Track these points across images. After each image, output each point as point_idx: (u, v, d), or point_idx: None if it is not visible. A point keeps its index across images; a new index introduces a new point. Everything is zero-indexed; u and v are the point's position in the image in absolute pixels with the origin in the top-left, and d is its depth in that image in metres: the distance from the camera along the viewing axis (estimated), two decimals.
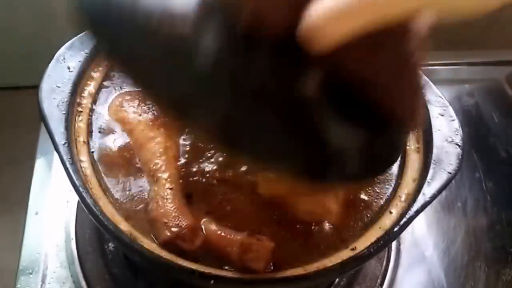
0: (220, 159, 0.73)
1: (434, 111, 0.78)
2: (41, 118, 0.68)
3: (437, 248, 1.00)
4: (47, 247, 0.89)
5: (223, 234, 0.66)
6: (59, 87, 0.72)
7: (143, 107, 0.76)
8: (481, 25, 1.34)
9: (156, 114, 0.75)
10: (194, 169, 0.72)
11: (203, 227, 0.67)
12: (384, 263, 0.94)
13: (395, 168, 0.78)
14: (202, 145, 0.74)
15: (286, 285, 0.64)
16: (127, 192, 0.70)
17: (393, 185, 0.76)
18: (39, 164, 0.99)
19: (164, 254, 0.63)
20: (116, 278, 0.85)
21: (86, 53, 0.77)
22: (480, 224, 1.06)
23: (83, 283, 0.85)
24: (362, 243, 0.69)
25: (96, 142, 0.73)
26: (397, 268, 0.95)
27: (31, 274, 0.86)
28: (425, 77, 0.82)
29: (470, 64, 1.34)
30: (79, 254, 0.88)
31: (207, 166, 0.73)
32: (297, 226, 0.70)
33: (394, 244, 0.96)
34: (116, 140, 0.74)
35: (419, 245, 0.99)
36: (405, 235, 0.98)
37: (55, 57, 0.74)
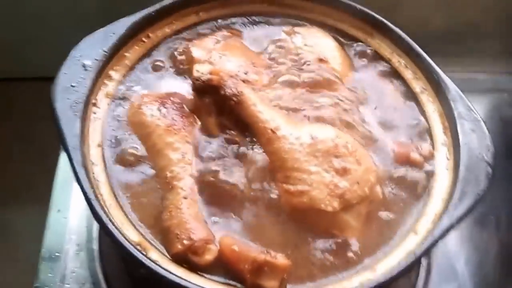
0: (243, 169, 0.69)
1: (465, 126, 0.72)
2: (53, 119, 0.65)
3: (469, 263, 0.94)
4: (68, 247, 0.87)
5: (236, 249, 0.62)
6: (73, 86, 0.69)
7: (162, 111, 0.72)
8: None
9: (175, 119, 0.72)
10: (213, 179, 0.68)
11: (217, 240, 0.64)
12: (414, 278, 0.89)
13: (424, 186, 0.72)
14: (223, 153, 0.71)
15: None
16: (140, 200, 0.66)
17: (421, 204, 0.71)
18: (63, 162, 0.95)
19: (173, 268, 0.60)
20: (137, 281, 0.81)
21: (105, 51, 0.73)
22: None
23: (103, 284, 0.83)
24: (383, 266, 0.64)
25: (111, 146, 0.70)
26: (427, 284, 0.89)
27: (51, 273, 0.84)
28: (457, 88, 0.77)
29: (510, 73, 1.26)
30: (100, 255, 0.85)
31: (227, 176, 0.68)
32: (317, 243, 0.66)
33: (424, 258, 0.91)
34: (133, 145, 0.70)
35: (450, 260, 0.93)
36: (436, 250, 0.92)
37: (70, 54, 0.71)
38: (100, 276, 0.84)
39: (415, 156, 0.74)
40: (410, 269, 0.67)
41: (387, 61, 0.84)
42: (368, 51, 0.85)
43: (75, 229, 0.88)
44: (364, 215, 0.69)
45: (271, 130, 0.69)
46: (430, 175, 0.73)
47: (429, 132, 0.77)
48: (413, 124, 0.78)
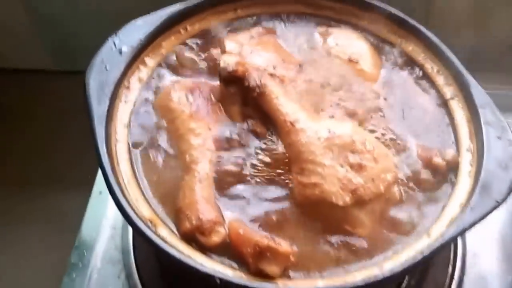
0: (261, 159, 0.71)
1: (491, 133, 0.70)
2: (84, 97, 0.69)
3: (504, 284, 0.88)
4: (105, 228, 0.91)
5: (241, 232, 0.63)
6: (107, 69, 0.72)
7: (189, 99, 0.74)
8: None
9: (200, 106, 0.74)
10: (230, 165, 0.70)
11: (226, 223, 0.65)
12: None
13: (444, 190, 0.70)
14: (243, 143, 0.72)
15: None
16: (159, 179, 0.69)
17: (438, 208, 0.69)
18: None
19: (180, 245, 0.61)
20: (165, 267, 0.84)
21: (141, 39, 0.77)
22: None
23: (134, 267, 0.86)
24: (391, 264, 0.62)
25: (137, 127, 0.73)
26: None
27: (86, 253, 0.88)
28: (487, 96, 0.74)
29: None
30: (134, 238, 0.88)
31: (244, 165, 0.70)
32: (325, 235, 0.65)
33: (457, 273, 0.87)
34: (157, 128, 0.73)
35: (484, 278, 0.88)
36: (471, 265, 0.88)
37: (108, 39, 0.75)
38: (132, 259, 0.87)
39: (437, 160, 0.72)
40: (415, 269, 0.65)
41: (420, 66, 0.83)
42: (401, 55, 0.84)
43: (113, 212, 0.92)
44: (378, 213, 0.68)
45: (290, 122, 0.70)
46: (451, 180, 0.71)
47: (455, 138, 0.75)
48: (440, 129, 0.76)
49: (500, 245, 0.92)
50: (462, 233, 0.62)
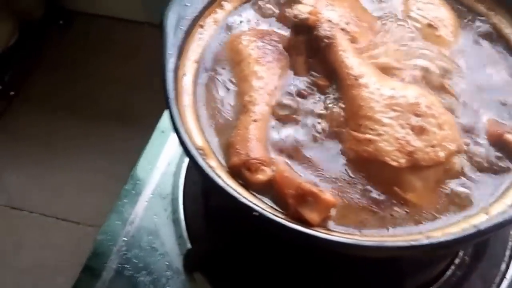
0: (319, 111, 0.66)
1: None
2: (162, 28, 0.68)
3: None
4: (161, 163, 0.92)
5: (286, 175, 0.59)
6: (187, 5, 0.71)
7: (258, 44, 0.71)
8: None
9: (267, 52, 0.71)
10: (287, 113, 0.66)
11: (274, 165, 0.61)
12: None
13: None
14: (304, 93, 0.68)
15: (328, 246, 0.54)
16: (217, 114, 0.67)
17: (503, 187, 0.61)
18: None
19: (225, 177, 0.59)
20: (210, 212, 0.84)
21: None
22: None
23: (180, 204, 0.86)
24: (440, 233, 0.56)
25: (205, 63, 0.71)
26: None
27: (140, 180, 0.90)
28: None
29: None
30: (186, 180, 0.89)
31: (301, 115, 0.66)
32: (373, 194, 0.60)
33: (511, 273, 0.78)
34: (224, 67, 0.71)
35: None
36: None
37: None
38: (180, 196, 0.87)
39: (509, 137, 0.63)
40: (467, 242, 0.57)
41: (506, 40, 0.73)
42: (487, 26, 0.74)
43: (171, 149, 0.93)
44: (433, 181, 0.61)
45: (354, 76, 0.64)
46: None
47: None
48: None
49: None
50: None
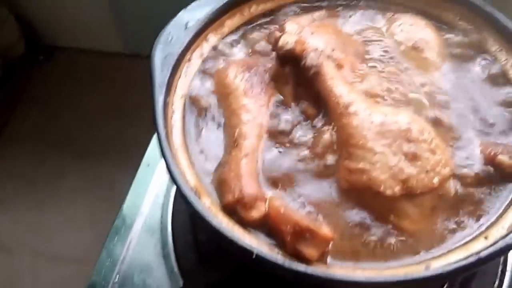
0: (309, 141, 0.66)
1: None
2: (150, 66, 0.68)
3: None
4: (148, 197, 0.91)
5: (283, 211, 0.58)
6: (172, 41, 0.71)
7: (244, 76, 0.71)
8: None
9: (254, 84, 0.70)
10: (277, 146, 0.66)
11: (268, 200, 0.61)
12: None
13: (508, 191, 0.61)
14: (293, 123, 0.67)
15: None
16: (207, 150, 0.66)
17: (500, 210, 0.60)
18: None
19: (220, 216, 0.58)
20: (200, 244, 0.82)
21: (207, 16, 0.75)
22: None
23: (170, 238, 0.85)
24: (439, 263, 0.55)
25: (193, 99, 0.71)
26: None
27: (129, 217, 0.89)
28: None
29: None
30: (173, 210, 0.88)
31: (292, 145, 0.65)
32: (370, 224, 0.59)
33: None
34: (212, 101, 0.71)
35: None
36: None
37: (178, 14, 0.74)
38: (169, 230, 0.86)
39: (503, 158, 0.62)
40: (468, 271, 0.57)
41: (492, 57, 0.73)
42: (472, 44, 0.74)
43: (158, 183, 0.92)
44: (428, 208, 0.60)
45: (343, 105, 0.64)
46: None
47: None
48: (509, 126, 0.67)
49: None
50: None
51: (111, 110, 1.96)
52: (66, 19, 1.92)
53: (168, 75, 0.68)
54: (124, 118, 1.87)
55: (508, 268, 0.79)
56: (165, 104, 0.66)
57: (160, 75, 0.67)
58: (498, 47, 0.73)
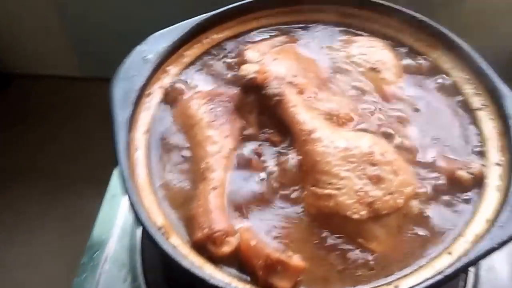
0: (276, 169, 0.66)
1: None
2: (109, 103, 0.67)
3: None
4: (115, 230, 0.89)
5: (253, 244, 0.59)
6: (132, 76, 0.71)
7: (208, 107, 0.71)
8: None
9: (218, 115, 0.71)
10: (244, 176, 0.66)
11: (238, 234, 0.61)
12: None
13: (468, 205, 0.64)
14: (259, 152, 0.68)
15: None
16: (174, 186, 0.66)
17: (461, 224, 0.62)
18: None
19: (190, 255, 0.58)
20: (171, 278, 0.80)
21: (165, 48, 0.75)
22: None
23: (140, 271, 0.83)
24: (408, 282, 0.57)
25: (156, 133, 0.71)
26: None
27: (96, 253, 0.87)
28: None
29: None
30: (142, 242, 0.86)
31: (259, 173, 0.66)
32: (339, 249, 0.60)
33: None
34: (176, 135, 0.71)
35: None
36: (484, 281, 0.79)
37: (135, 48, 0.74)
38: (139, 263, 0.84)
39: (462, 174, 0.65)
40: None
41: (446, 74, 0.76)
42: (427, 63, 0.77)
43: (124, 214, 0.91)
44: (395, 228, 0.62)
45: (307, 132, 0.65)
46: (476, 195, 0.64)
47: (483, 150, 0.68)
48: (466, 141, 0.69)
49: None
50: (490, 252, 0.55)
51: (72, 135, 1.92)
52: (20, 46, 1.88)
53: (129, 111, 0.67)
54: (87, 146, 1.83)
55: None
56: (128, 141, 0.65)
57: (120, 112, 0.67)
58: (451, 65, 0.76)
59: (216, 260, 0.59)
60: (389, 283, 0.57)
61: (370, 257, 0.60)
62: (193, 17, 0.80)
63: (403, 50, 0.80)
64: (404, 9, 0.79)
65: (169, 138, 0.70)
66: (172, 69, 0.77)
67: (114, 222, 0.89)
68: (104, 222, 0.90)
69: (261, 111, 0.70)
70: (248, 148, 0.68)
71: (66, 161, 1.86)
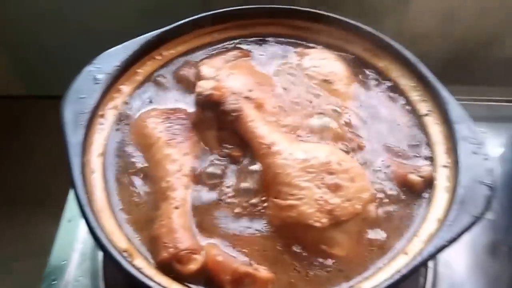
0: (238, 183, 0.68)
1: (468, 148, 0.67)
2: (60, 127, 0.66)
3: None
4: (74, 255, 0.87)
5: (219, 259, 0.60)
6: (83, 98, 0.70)
7: (165, 125, 0.72)
8: None
9: (176, 132, 0.71)
10: (206, 192, 0.67)
11: (203, 251, 0.62)
12: None
13: (420, 206, 0.68)
14: (220, 167, 0.69)
15: None
16: (134, 208, 0.66)
17: (415, 225, 0.66)
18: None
19: (156, 276, 0.58)
20: None
21: (117, 66, 0.75)
22: None
23: None
24: (369, 284, 0.60)
25: (112, 155, 0.70)
26: None
27: (55, 280, 0.84)
28: (463, 111, 0.72)
29: None
30: (104, 265, 0.84)
31: (220, 188, 0.67)
32: (304, 258, 0.62)
33: (429, 285, 0.83)
34: (133, 155, 0.71)
35: None
36: (443, 276, 0.85)
37: (85, 68, 0.73)
38: (101, 284, 0.82)
39: (413, 177, 0.69)
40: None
41: (395, 83, 0.80)
42: (376, 72, 0.82)
43: (82, 239, 0.88)
44: (355, 233, 0.65)
45: (266, 145, 0.67)
46: (427, 196, 0.68)
47: (431, 154, 0.72)
48: (415, 145, 0.74)
49: (470, 250, 0.90)
50: (441, 250, 0.59)
51: (24, 158, 1.84)
52: None
53: (82, 134, 0.67)
54: (38, 163, 1.76)
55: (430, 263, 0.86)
56: (83, 165, 0.65)
57: (73, 136, 0.66)
58: (399, 73, 0.81)
59: (183, 279, 0.59)
60: (351, 286, 0.60)
61: (333, 262, 0.62)
62: (148, 32, 0.80)
63: (353, 60, 0.83)
64: (351, 21, 0.83)
65: (126, 159, 0.70)
66: (125, 88, 0.77)
67: (73, 247, 0.87)
68: (62, 247, 0.87)
69: (220, 127, 0.71)
70: (209, 165, 0.69)
71: (19, 182, 1.78)
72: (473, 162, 0.66)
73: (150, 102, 0.77)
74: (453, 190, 0.65)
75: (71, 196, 0.93)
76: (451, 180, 0.67)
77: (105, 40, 0.78)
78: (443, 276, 0.86)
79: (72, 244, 0.87)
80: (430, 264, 0.86)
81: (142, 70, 0.79)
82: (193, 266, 0.59)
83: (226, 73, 0.76)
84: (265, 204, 0.66)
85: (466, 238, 0.92)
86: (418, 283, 0.84)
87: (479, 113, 1.12)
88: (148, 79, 0.79)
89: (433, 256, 0.59)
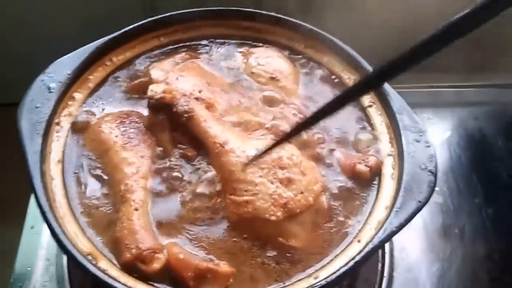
0: (193, 182, 0.72)
1: (410, 136, 0.74)
2: (18, 136, 0.68)
3: (431, 274, 0.94)
4: (39, 261, 0.89)
5: (181, 257, 0.63)
6: (38, 107, 0.72)
7: (120, 129, 0.75)
8: (489, 47, 1.27)
9: (131, 136, 0.75)
10: (164, 192, 0.71)
11: (165, 250, 0.65)
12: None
13: (370, 195, 0.74)
14: (175, 167, 0.73)
15: None
16: (95, 212, 0.69)
17: (366, 213, 0.72)
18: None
19: (121, 277, 0.61)
20: None
21: (69, 74, 0.77)
22: (478, 253, 0.99)
23: None
24: (326, 272, 0.65)
25: (71, 161, 0.73)
26: None
27: (22, 286, 0.86)
28: (403, 102, 0.79)
29: (475, 87, 1.27)
30: (68, 269, 0.86)
31: (178, 188, 0.71)
32: (262, 251, 0.67)
33: (386, 269, 0.91)
34: (91, 160, 0.73)
35: (412, 271, 0.93)
36: (399, 260, 0.93)
37: (38, 77, 0.75)
38: None
39: (361, 167, 0.75)
40: (349, 275, 0.68)
41: (338, 77, 0.86)
42: (320, 67, 0.87)
43: (46, 244, 0.90)
44: (310, 224, 0.70)
45: (220, 144, 0.71)
46: (375, 185, 0.74)
47: (376, 143, 0.79)
48: (361, 136, 0.80)
49: (423, 234, 0.98)
50: (391, 236, 0.65)
51: None
52: None
53: (39, 143, 0.69)
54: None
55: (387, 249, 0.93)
56: (42, 173, 0.67)
57: (30, 145, 0.68)
58: (341, 67, 0.87)
59: (147, 278, 0.63)
60: (309, 275, 0.65)
61: (291, 254, 0.67)
62: (100, 37, 0.83)
63: (297, 57, 0.89)
64: (292, 19, 0.89)
65: (84, 165, 0.73)
66: (78, 95, 0.79)
67: (37, 253, 0.89)
68: (26, 254, 0.89)
69: (173, 128, 0.75)
70: (165, 165, 0.73)
71: None
72: (415, 149, 0.73)
73: (104, 107, 0.79)
74: (399, 178, 0.72)
75: (32, 202, 0.95)
76: (396, 168, 0.74)
77: (55, 47, 0.80)
78: (399, 260, 0.93)
79: (36, 250, 0.89)
80: (387, 249, 0.93)
81: (93, 77, 0.82)
82: (156, 265, 0.63)
83: (175, 75, 0.79)
84: (222, 202, 0.70)
85: (418, 222, 1.02)
86: (377, 268, 0.91)
87: (425, 100, 1.23)
88: (100, 85, 0.82)
89: (384, 242, 0.65)
